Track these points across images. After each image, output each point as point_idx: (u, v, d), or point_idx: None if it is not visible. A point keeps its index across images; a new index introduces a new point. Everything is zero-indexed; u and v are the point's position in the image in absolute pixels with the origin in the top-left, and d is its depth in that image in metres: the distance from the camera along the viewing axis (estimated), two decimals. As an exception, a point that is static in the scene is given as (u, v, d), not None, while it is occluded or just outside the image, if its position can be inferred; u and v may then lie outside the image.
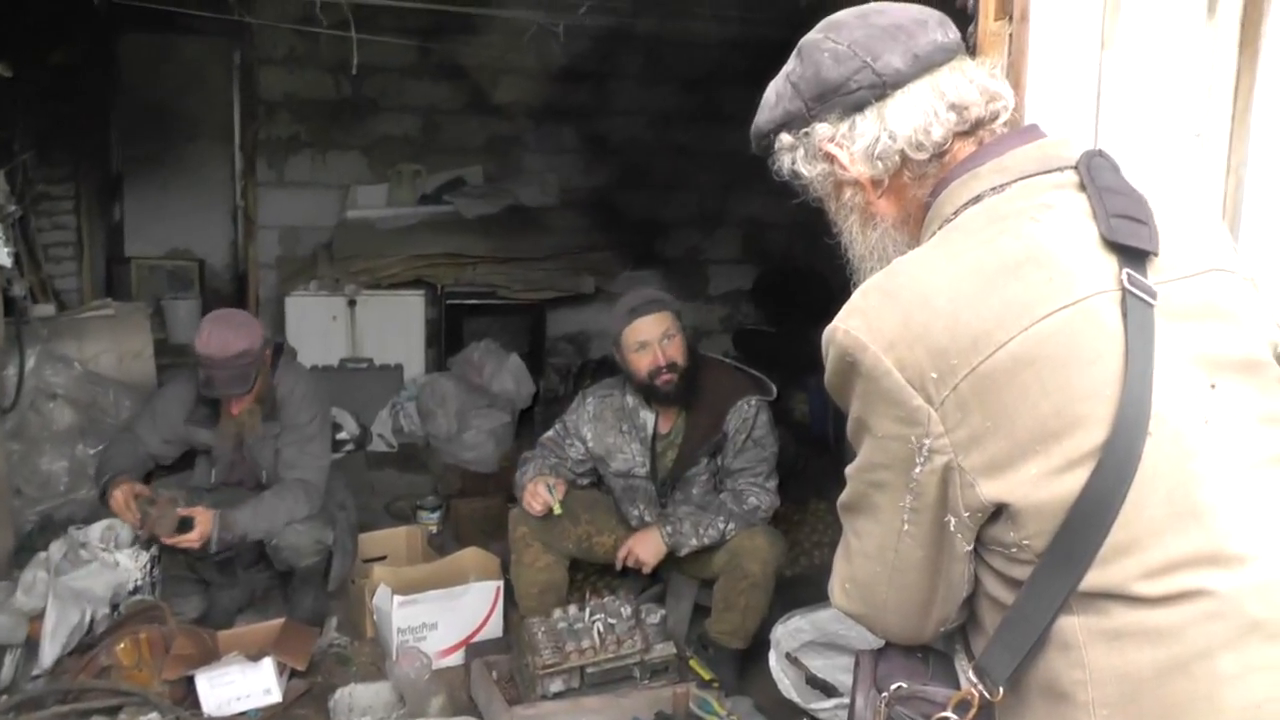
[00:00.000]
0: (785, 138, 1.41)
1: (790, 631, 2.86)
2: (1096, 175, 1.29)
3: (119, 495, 3.57)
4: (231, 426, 3.72)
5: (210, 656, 3.45)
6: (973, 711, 1.26)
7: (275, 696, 3.37)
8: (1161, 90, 2.09)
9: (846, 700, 2.61)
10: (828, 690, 2.71)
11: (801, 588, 3.90)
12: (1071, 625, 1.19)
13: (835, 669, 2.79)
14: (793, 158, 1.42)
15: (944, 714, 1.28)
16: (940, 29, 1.36)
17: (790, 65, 1.41)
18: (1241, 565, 1.17)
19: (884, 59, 1.33)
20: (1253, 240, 2.12)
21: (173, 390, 3.83)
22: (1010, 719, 1.26)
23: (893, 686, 1.34)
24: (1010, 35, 2.03)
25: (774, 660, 2.83)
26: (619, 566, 3.55)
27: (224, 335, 3.51)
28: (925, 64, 1.34)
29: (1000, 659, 1.23)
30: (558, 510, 3.47)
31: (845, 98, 1.35)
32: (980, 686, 1.24)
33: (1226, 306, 1.28)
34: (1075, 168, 1.31)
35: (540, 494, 3.48)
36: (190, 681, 3.33)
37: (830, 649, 2.83)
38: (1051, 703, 1.22)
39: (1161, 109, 2.10)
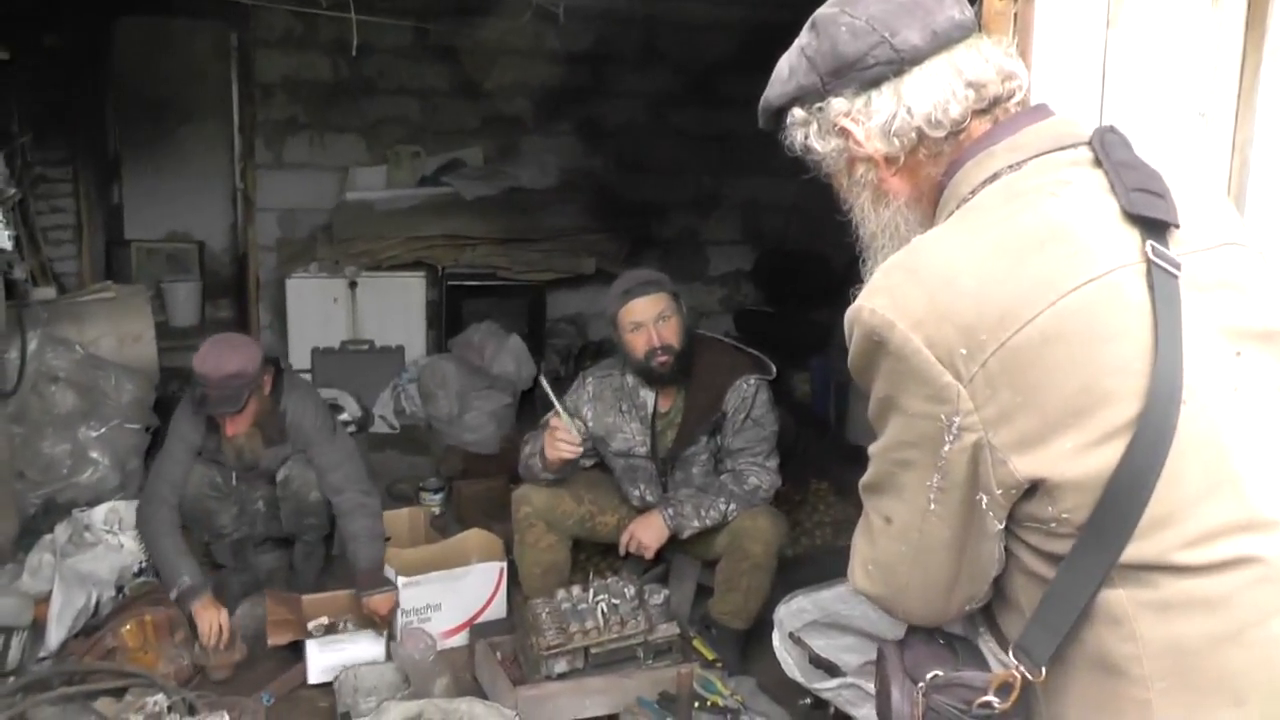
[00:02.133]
0: (798, 112, 1.40)
1: (793, 611, 2.84)
2: (1111, 150, 1.29)
3: (212, 621, 3.49)
4: (231, 450, 3.74)
5: (302, 621, 3.54)
6: (1014, 693, 1.25)
7: None
8: (1167, 69, 2.09)
9: (850, 679, 2.62)
10: (831, 670, 2.70)
11: (804, 568, 3.89)
12: (1118, 598, 1.19)
13: (838, 649, 2.77)
14: (805, 133, 1.40)
15: (986, 698, 1.27)
16: (957, 6, 1.35)
17: (804, 39, 1.39)
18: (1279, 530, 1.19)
19: (902, 35, 1.32)
20: (1257, 219, 2.13)
21: (181, 430, 3.80)
22: (1056, 698, 1.26)
23: (929, 675, 1.33)
24: (1015, 14, 2.03)
25: (777, 640, 2.82)
26: (622, 552, 3.56)
27: (219, 356, 3.56)
28: (943, 41, 1.33)
29: (1041, 638, 1.22)
30: (570, 421, 3.44)
31: (862, 73, 1.33)
32: (1022, 667, 1.24)
33: (1243, 278, 1.29)
34: (1089, 144, 1.31)
35: (560, 434, 3.41)
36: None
37: (833, 629, 2.82)
38: (1103, 677, 1.21)
39: (1167, 88, 2.10)
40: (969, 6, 1.38)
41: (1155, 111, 2.08)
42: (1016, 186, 1.28)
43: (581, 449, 3.46)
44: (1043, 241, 1.21)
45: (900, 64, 1.32)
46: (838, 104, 1.36)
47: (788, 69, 1.41)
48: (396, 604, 3.56)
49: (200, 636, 3.46)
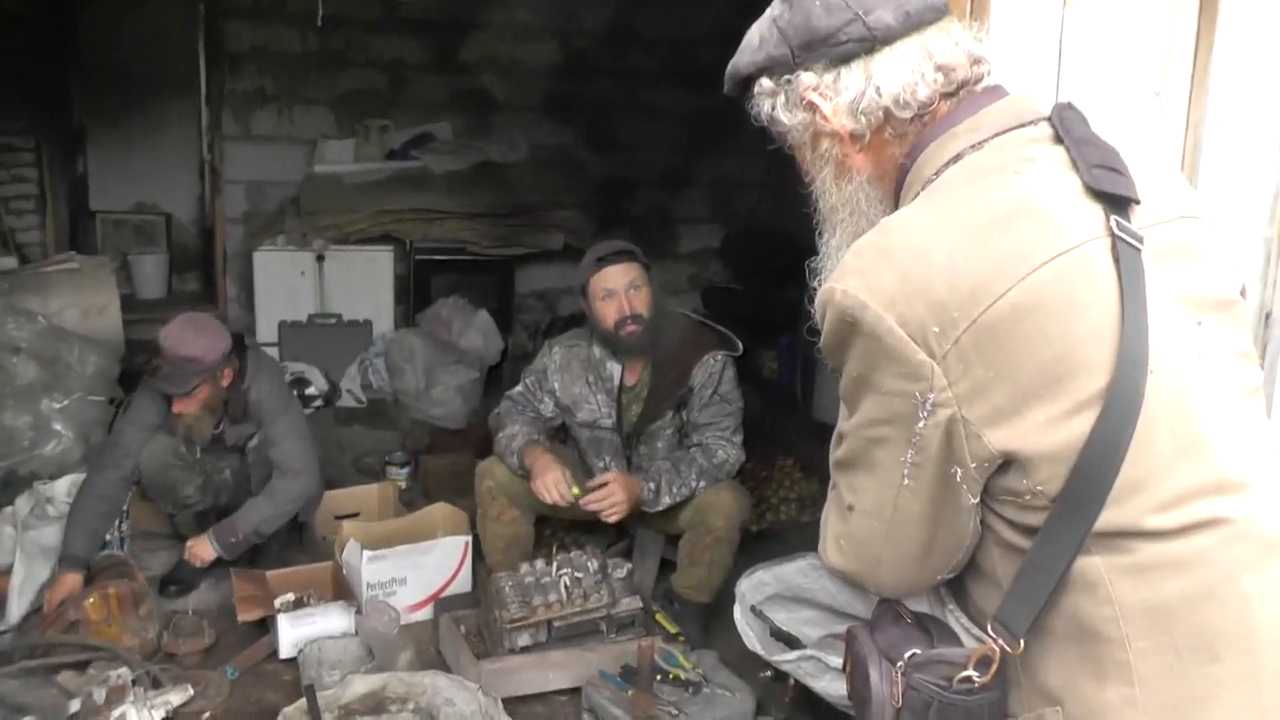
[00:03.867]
0: (766, 82, 1.40)
1: (754, 585, 2.87)
2: (1071, 127, 1.31)
3: (60, 593, 3.46)
4: (181, 426, 3.73)
5: (269, 597, 3.54)
6: (994, 666, 1.26)
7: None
8: (1122, 49, 2.11)
9: (810, 652, 2.65)
10: (791, 643, 2.73)
11: (768, 543, 3.93)
12: (1094, 565, 1.21)
13: (799, 622, 2.80)
14: (772, 103, 1.40)
15: (966, 673, 1.28)
16: None
17: (777, 9, 1.39)
18: (1247, 490, 1.22)
19: (876, 13, 1.32)
20: (1209, 197, 2.16)
21: (143, 398, 3.81)
22: (1036, 667, 1.28)
23: (907, 654, 1.33)
24: (971, -9, 2.04)
25: (738, 613, 2.85)
26: (596, 484, 3.48)
27: (181, 335, 3.58)
28: (915, 22, 1.33)
29: (1019, 610, 1.24)
30: (575, 494, 3.44)
31: (833, 49, 1.34)
32: (1000, 640, 1.25)
33: (1200, 250, 1.32)
34: (1048, 120, 1.33)
35: (559, 489, 3.42)
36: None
37: (794, 602, 2.84)
38: (1082, 643, 1.23)
39: (1122, 68, 2.13)
40: None
41: (1111, 91, 2.11)
42: (981, 165, 1.29)
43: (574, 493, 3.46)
44: (1011, 217, 1.22)
45: (872, 42, 1.32)
46: (807, 78, 1.36)
47: (758, 38, 1.41)
48: (210, 559, 3.67)
49: (46, 601, 3.48)
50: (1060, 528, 1.20)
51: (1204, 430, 1.22)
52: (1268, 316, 2.32)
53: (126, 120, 7.14)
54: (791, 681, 2.86)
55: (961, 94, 1.35)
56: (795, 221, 1.50)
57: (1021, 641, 1.24)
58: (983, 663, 1.27)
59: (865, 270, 1.25)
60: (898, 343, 1.21)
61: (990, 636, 1.26)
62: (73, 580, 3.49)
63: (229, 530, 3.68)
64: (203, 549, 3.67)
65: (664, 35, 6.87)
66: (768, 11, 1.41)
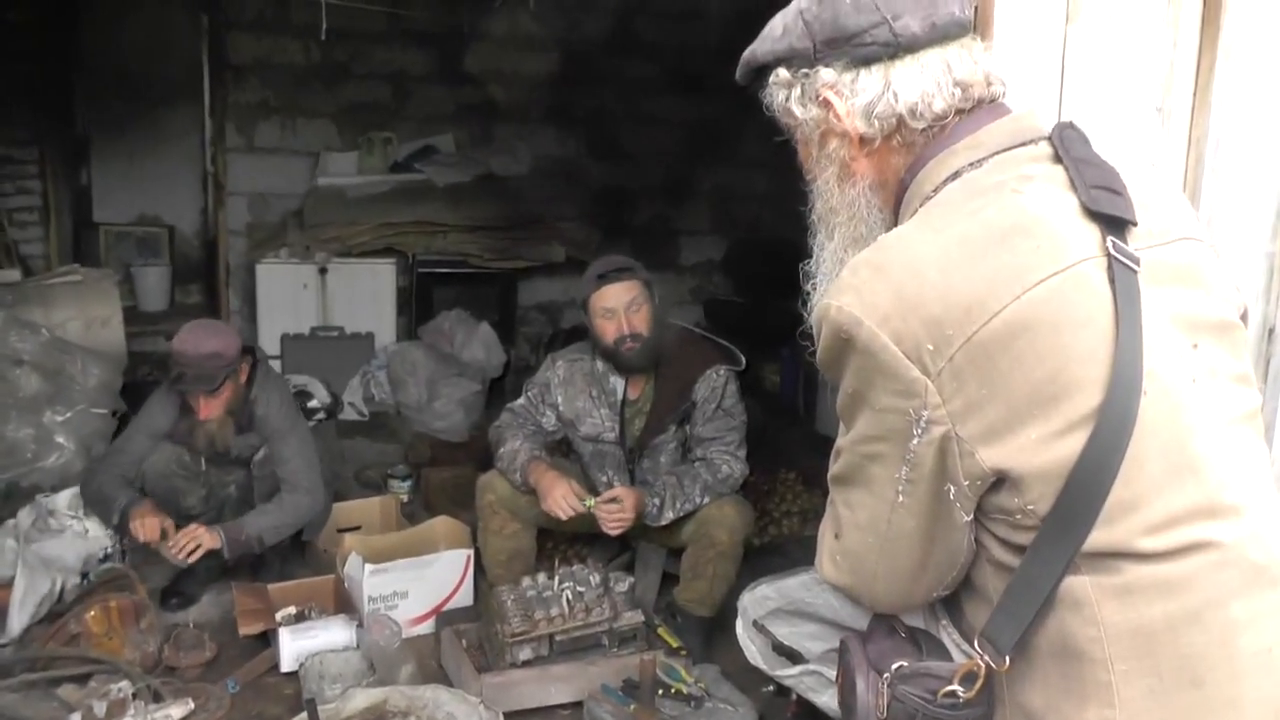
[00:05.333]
0: (782, 73, 1.39)
1: (757, 599, 2.87)
2: (1070, 147, 1.30)
3: (152, 524, 3.60)
4: (203, 435, 3.76)
5: (271, 610, 3.54)
6: (979, 683, 1.26)
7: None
8: (1125, 65, 2.11)
9: (812, 666, 2.65)
10: (793, 657, 2.73)
11: (771, 557, 3.93)
12: (1082, 584, 1.21)
13: (801, 636, 2.80)
14: (787, 95, 1.40)
15: (951, 688, 1.28)
16: (959, 3, 1.35)
17: (804, 2, 1.39)
18: (1238, 516, 1.22)
19: (904, 20, 1.32)
20: (1212, 214, 2.16)
21: (152, 412, 3.87)
22: (1019, 685, 1.27)
23: (894, 666, 1.34)
24: (976, 7, 2.04)
25: (741, 628, 2.85)
26: (606, 499, 3.48)
27: (199, 335, 3.67)
28: (940, 35, 1.33)
29: (1005, 627, 1.24)
30: (589, 505, 3.45)
31: (856, 49, 1.33)
32: (986, 656, 1.25)
33: (1199, 272, 1.32)
34: (1048, 139, 1.33)
35: (569, 502, 3.43)
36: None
37: (796, 616, 2.84)
38: (1066, 663, 1.23)
39: (1125, 84, 2.13)
40: (970, 6, 1.38)
41: (1113, 107, 2.11)
42: (979, 183, 1.29)
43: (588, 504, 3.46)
44: (1007, 235, 1.22)
45: (896, 48, 1.32)
46: (825, 74, 1.35)
47: (781, 28, 1.40)
48: (210, 548, 3.62)
49: (139, 535, 3.57)
50: (1049, 546, 1.20)
51: (1197, 453, 1.21)
52: (1270, 332, 2.32)
53: (130, 132, 7.15)
54: (794, 696, 2.86)
55: (971, 111, 1.35)
56: (798, 233, 1.49)
57: (1007, 659, 1.24)
58: (968, 678, 1.27)
59: (860, 287, 1.24)
60: (892, 359, 1.21)
61: (976, 652, 1.27)
62: (151, 509, 3.63)
63: (235, 529, 3.68)
64: (209, 537, 3.60)
65: (666, 44, 6.88)
66: (794, 2, 1.40)
